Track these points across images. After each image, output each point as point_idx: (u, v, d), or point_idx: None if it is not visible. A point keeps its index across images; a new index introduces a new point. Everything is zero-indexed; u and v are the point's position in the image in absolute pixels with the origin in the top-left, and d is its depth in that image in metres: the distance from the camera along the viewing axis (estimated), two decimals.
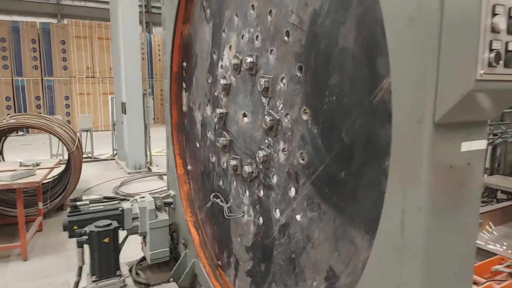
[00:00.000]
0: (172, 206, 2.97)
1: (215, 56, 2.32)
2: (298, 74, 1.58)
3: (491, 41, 0.90)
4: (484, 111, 1.03)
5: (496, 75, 0.92)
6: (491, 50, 0.90)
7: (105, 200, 2.80)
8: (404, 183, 1.08)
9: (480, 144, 1.09)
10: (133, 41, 8.25)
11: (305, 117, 1.55)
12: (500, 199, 5.43)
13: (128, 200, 2.88)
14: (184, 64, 2.82)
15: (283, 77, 1.68)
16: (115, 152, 9.99)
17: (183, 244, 2.83)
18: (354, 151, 1.30)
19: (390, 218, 1.13)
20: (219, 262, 2.46)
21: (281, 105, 1.71)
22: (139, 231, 2.81)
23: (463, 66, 0.91)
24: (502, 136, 3.14)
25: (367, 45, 1.22)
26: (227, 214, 2.15)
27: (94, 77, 15.78)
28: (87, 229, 2.39)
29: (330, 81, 1.40)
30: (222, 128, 2.27)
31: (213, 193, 2.35)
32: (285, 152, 1.70)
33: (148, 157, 8.80)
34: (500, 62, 0.92)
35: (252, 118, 1.96)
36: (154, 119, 16.80)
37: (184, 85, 2.86)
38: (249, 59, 1.87)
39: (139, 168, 8.42)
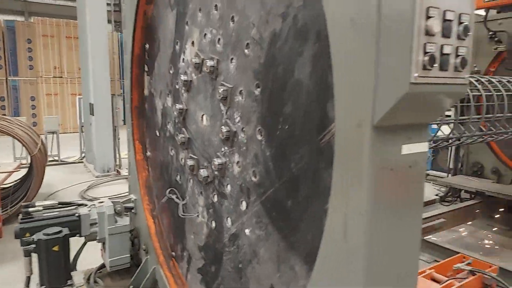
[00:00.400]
0: (133, 211, 2.88)
1: (177, 47, 2.22)
2: (256, 92, 1.51)
3: (425, 44, 0.89)
4: (422, 114, 1.03)
5: (431, 78, 0.92)
6: (425, 53, 0.89)
7: (61, 205, 2.67)
8: (346, 188, 1.06)
9: (421, 147, 1.09)
10: (101, 41, 8.01)
11: (259, 137, 1.51)
12: (464, 198, 5.62)
13: (86, 205, 2.76)
14: (147, 46, 2.68)
15: (241, 90, 1.62)
16: (83, 154, 9.68)
17: (144, 250, 2.74)
18: (300, 184, 1.30)
19: (334, 223, 1.11)
20: (173, 253, 2.41)
21: (238, 118, 1.65)
22: (97, 237, 2.70)
23: (399, 69, 0.90)
24: (463, 136, 3.22)
25: (320, 84, 1.18)
26: (182, 213, 2.10)
27: (62, 77, 15.24)
28: (35, 237, 2.27)
29: (284, 108, 1.36)
30: (181, 124, 2.19)
31: (169, 189, 2.29)
32: (239, 166, 1.66)
33: (117, 159, 8.57)
34: (435, 65, 0.91)
35: (211, 122, 1.91)
36: (123, 120, 16.42)
37: (146, 68, 2.73)
38: (209, 63, 1.80)
39: (108, 171, 8.19)
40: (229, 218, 1.74)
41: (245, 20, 1.57)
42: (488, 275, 3.45)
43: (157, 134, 2.58)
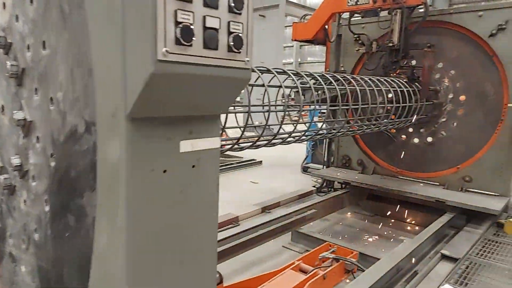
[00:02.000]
0: None
1: None
2: (51, 163, 1.12)
3: (176, 11, 0.70)
4: (200, 103, 0.85)
5: (191, 57, 0.74)
6: (177, 23, 0.70)
7: None
8: (109, 198, 0.83)
9: (210, 143, 0.92)
10: None
11: (46, 208, 1.17)
12: (336, 188, 6.02)
13: None
14: None
15: (38, 137, 1.20)
16: None
17: None
18: None
19: (100, 241, 0.87)
20: None
21: (33, 160, 1.24)
22: None
23: (144, 43, 0.70)
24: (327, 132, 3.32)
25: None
26: None
27: None
28: None
29: (68, 217, 1.05)
30: None
31: None
32: (26, 207, 1.29)
33: None
34: (195, 39, 0.73)
35: (9, 124, 1.44)
36: None
37: None
38: (12, 67, 1.27)
39: None
40: (12, 238, 1.36)
41: (55, 68, 1.06)
42: (349, 261, 3.68)
43: None
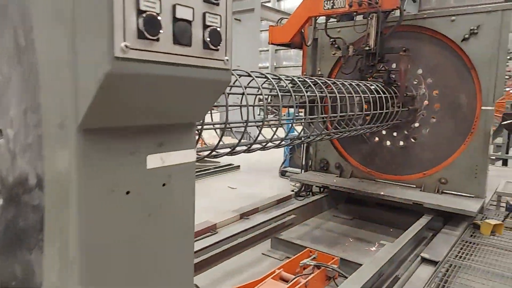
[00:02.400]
0: None
1: None
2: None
3: None
4: (170, 110, 0.72)
5: (157, 54, 0.60)
6: (140, 11, 0.57)
7: None
8: (59, 224, 0.68)
9: (184, 157, 0.78)
10: None
11: None
12: (315, 192, 5.97)
13: None
14: None
15: None
16: None
17: None
18: None
19: (50, 277, 0.72)
20: None
21: None
22: None
23: (98, 36, 0.56)
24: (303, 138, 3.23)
25: None
26: None
27: None
28: None
29: (15, 269, 0.83)
30: None
31: None
32: None
33: None
34: (162, 32, 0.60)
35: None
36: None
37: None
38: None
39: None
40: None
41: (6, 100, 0.84)
42: (331, 268, 3.59)
43: None
